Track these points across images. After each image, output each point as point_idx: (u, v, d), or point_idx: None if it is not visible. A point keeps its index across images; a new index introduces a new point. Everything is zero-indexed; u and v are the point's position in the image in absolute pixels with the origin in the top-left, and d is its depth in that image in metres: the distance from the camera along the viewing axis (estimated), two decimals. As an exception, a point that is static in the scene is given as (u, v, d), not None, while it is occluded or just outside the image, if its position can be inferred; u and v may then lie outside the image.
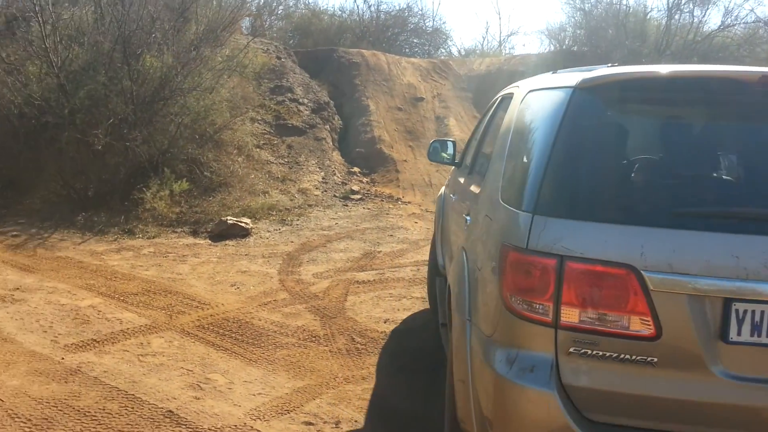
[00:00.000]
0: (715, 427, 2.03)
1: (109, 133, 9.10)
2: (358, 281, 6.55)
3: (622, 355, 2.01)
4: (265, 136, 12.79)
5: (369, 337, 5.04)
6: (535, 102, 2.73)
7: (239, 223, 8.42)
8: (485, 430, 2.23)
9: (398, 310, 5.73)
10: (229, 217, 8.55)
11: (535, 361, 2.08)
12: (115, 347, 4.67)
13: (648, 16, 13.20)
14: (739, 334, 1.98)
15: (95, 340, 4.78)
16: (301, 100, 14.18)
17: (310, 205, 10.38)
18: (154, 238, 8.20)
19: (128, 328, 5.06)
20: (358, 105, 15.06)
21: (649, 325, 1.99)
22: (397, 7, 23.64)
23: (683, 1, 12.59)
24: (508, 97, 3.43)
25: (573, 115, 2.25)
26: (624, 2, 13.08)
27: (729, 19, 12.38)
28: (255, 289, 6.24)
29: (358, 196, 11.12)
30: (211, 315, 5.44)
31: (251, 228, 8.57)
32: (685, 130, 2.46)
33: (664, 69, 2.30)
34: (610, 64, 2.53)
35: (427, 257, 6.11)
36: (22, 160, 9.54)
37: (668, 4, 12.58)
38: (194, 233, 8.58)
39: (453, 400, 2.69)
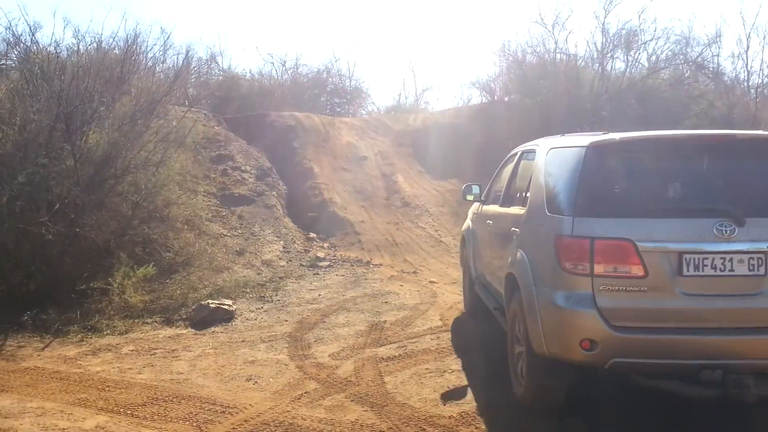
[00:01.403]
0: (676, 321, 3.78)
1: (58, 221, 8.11)
2: (382, 358, 5.97)
3: (627, 288, 3.77)
4: (212, 208, 12.02)
5: (441, 425, 4.47)
6: (558, 155, 4.54)
7: (222, 306, 7.63)
8: (554, 346, 3.99)
9: (448, 387, 5.20)
10: (209, 301, 7.74)
11: (582, 296, 3.82)
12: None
13: (580, 63, 13.66)
14: (688, 271, 3.75)
15: (128, 472, 3.96)
16: (243, 168, 13.55)
17: (280, 278, 9.68)
18: (126, 333, 7.26)
19: (159, 450, 4.25)
20: (300, 168, 14.58)
21: (640, 270, 3.76)
22: (315, 70, 23.44)
23: (610, 48, 13.12)
24: (531, 152, 5.31)
25: (588, 161, 4.01)
26: (556, 50, 13.48)
27: (656, 63, 13.00)
28: (276, 381, 5.52)
29: (326, 263, 10.53)
30: (246, 421, 4.69)
31: (234, 310, 7.79)
32: (650, 167, 4.11)
33: (630, 135, 4.16)
34: (592, 131, 4.68)
35: (432, 321, 7.10)
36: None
37: (601, 50, 13.06)
38: (168, 322, 7.69)
39: (528, 341, 4.28)
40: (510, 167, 5.95)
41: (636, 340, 3.76)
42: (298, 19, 40.43)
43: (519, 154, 5.81)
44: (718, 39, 11.68)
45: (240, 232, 11.47)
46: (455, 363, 5.75)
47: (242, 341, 6.76)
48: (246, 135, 15.35)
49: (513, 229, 4.92)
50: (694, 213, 3.86)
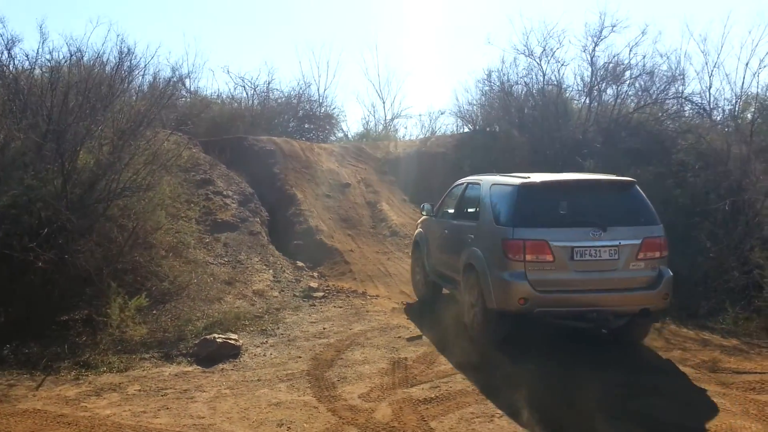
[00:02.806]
0: (571, 286, 6.45)
1: (46, 246, 7.50)
2: (418, 400, 5.63)
3: (544, 268, 6.41)
4: (196, 234, 11.44)
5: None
6: (498, 189, 7.16)
7: (228, 341, 7.15)
8: (502, 303, 6.58)
9: (501, 432, 4.92)
10: (215, 335, 7.23)
11: (519, 273, 6.42)
12: None
13: (568, 95, 13.78)
14: (576, 258, 6.42)
15: None
16: (225, 193, 13.02)
17: (276, 309, 9.22)
18: (126, 370, 6.69)
19: None
20: (282, 194, 14.14)
21: (551, 257, 6.38)
22: (285, 94, 23.09)
23: (598, 81, 13.24)
24: (476, 184, 7.90)
25: (519, 193, 6.70)
26: (545, 81, 13.53)
27: (644, 99, 13.18)
28: (311, 427, 5.11)
29: (320, 294, 10.10)
30: (295, 472, 4.27)
31: (241, 345, 7.30)
32: (556, 197, 6.72)
33: (544, 178, 6.99)
34: (528, 175, 7.13)
35: (453, 357, 6.96)
36: None
37: (590, 82, 13.16)
38: (168, 358, 7.15)
39: (482, 300, 6.88)
40: (458, 193, 8.63)
41: (549, 297, 6.47)
42: (267, 42, 40.02)
43: (465, 185, 8.49)
44: (710, 73, 11.88)
45: (226, 260, 10.94)
46: (501, 405, 5.44)
47: (258, 380, 6.30)
48: (222, 159, 14.82)
49: (469, 235, 7.55)
50: (579, 224, 6.55)
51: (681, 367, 6.61)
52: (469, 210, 7.97)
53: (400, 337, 7.73)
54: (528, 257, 6.38)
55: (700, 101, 12.21)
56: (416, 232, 10.00)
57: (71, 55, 9.25)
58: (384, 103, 24.91)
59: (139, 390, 6.07)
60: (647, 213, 6.71)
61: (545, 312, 6.56)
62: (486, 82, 15.51)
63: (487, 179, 7.63)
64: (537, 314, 6.51)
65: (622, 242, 6.45)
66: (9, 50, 9.39)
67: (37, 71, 9.46)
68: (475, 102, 16.89)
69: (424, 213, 9.53)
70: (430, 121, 24.17)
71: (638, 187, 6.92)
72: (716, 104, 11.97)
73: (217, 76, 53.69)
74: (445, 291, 9.21)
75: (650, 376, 6.36)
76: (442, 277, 8.67)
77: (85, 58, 9.78)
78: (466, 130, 17.27)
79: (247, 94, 22.96)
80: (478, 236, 7.20)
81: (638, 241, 6.49)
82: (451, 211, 8.56)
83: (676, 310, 9.12)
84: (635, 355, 7.07)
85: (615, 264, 6.45)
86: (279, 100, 23.38)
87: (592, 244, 6.40)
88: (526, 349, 6.82)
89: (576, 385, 5.88)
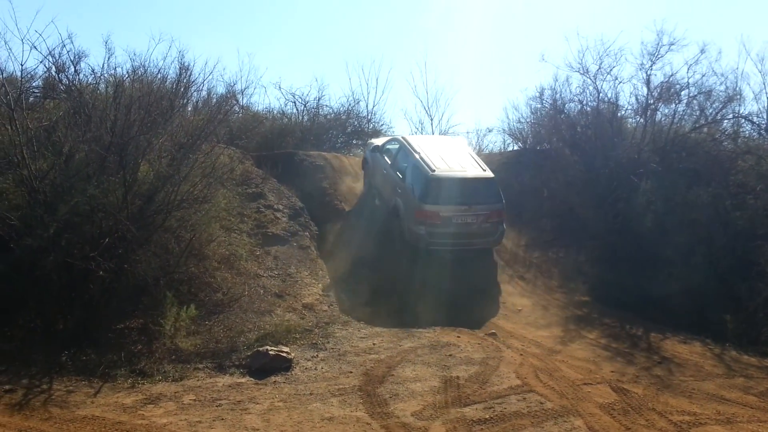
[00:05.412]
0: (451, 237, 10.95)
1: (106, 255, 7.70)
2: (473, 420, 5.56)
3: (435, 226, 10.88)
4: (247, 247, 11.59)
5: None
6: (418, 172, 11.36)
7: (281, 354, 7.20)
8: (412, 240, 11.15)
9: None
10: (268, 348, 7.30)
11: (422, 227, 10.89)
12: None
13: (623, 113, 13.55)
14: (454, 221, 10.92)
15: None
16: (276, 207, 13.14)
17: (326, 323, 9.23)
18: (181, 380, 6.79)
19: None
20: (331, 209, 14.20)
21: (439, 220, 10.85)
22: (334, 110, 23.28)
23: (654, 100, 12.98)
24: (406, 155, 11.86)
25: (428, 181, 11.09)
26: (599, 99, 13.34)
27: (701, 119, 12.87)
28: (366, 442, 5.08)
29: (369, 309, 10.07)
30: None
31: (293, 358, 7.35)
32: (448, 185, 10.97)
33: (443, 173, 11.20)
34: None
35: (509, 379, 6.89)
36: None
37: (645, 101, 12.91)
38: (221, 368, 7.25)
39: (401, 233, 11.42)
40: (394, 151, 12.39)
41: (437, 241, 10.80)
42: (318, 59, 40.57)
43: (399, 147, 12.33)
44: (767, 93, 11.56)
45: (277, 272, 11.02)
46: (555, 428, 5.33)
47: (310, 394, 6.31)
48: (274, 173, 15.00)
49: (398, 188, 11.62)
50: (457, 203, 10.78)
51: (744, 396, 6.37)
52: (399, 173, 11.75)
53: (451, 355, 7.65)
54: (427, 220, 10.74)
55: (756, 121, 11.85)
56: (366, 154, 14.12)
57: (134, 71, 9.52)
58: (432, 119, 24.79)
59: (194, 400, 6.15)
60: (496, 196, 11.10)
61: (435, 247, 10.92)
62: (538, 99, 15.37)
63: (412, 161, 11.45)
64: (430, 247, 10.89)
65: (479, 213, 10.91)
66: (75, 65, 9.77)
67: (102, 86, 9.78)
68: (524, 120, 16.75)
69: (372, 141, 14.44)
70: (478, 138, 23.99)
71: (494, 181, 11.20)
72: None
73: (269, 92, 54.53)
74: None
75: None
76: (378, 195, 12.84)
77: (146, 74, 10.03)
78: (515, 148, 17.14)
79: (297, 109, 23.22)
80: (403, 196, 11.40)
81: (488, 212, 11.00)
82: (389, 161, 12.30)
83: (735, 336, 8.85)
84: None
85: (474, 226, 10.98)
86: (328, 116, 23.55)
87: (464, 214, 10.84)
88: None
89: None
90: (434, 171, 10.89)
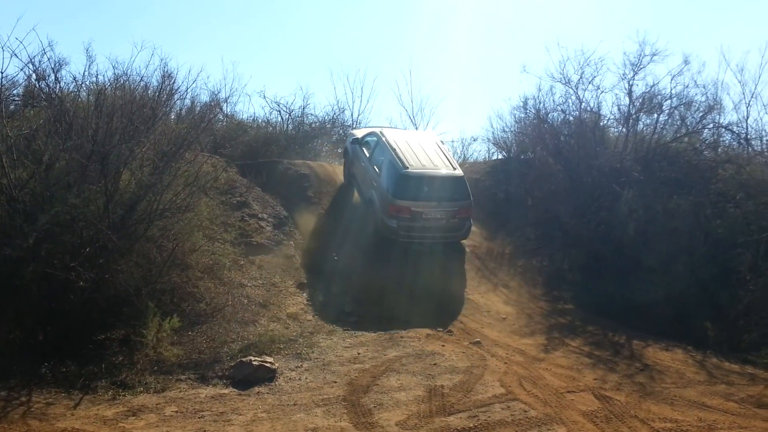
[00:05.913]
0: (419, 231, 11.57)
1: (87, 265, 7.61)
2: (457, 429, 5.57)
3: (406, 219, 11.47)
4: (230, 256, 11.53)
5: None
6: (392, 169, 11.88)
7: (264, 364, 7.16)
8: (384, 231, 11.75)
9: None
10: (251, 358, 7.25)
11: (394, 220, 11.48)
12: None
13: (603, 123, 13.65)
14: (424, 216, 11.56)
15: None
16: (260, 216, 13.10)
17: (310, 333, 9.20)
18: (162, 391, 6.73)
19: None
20: (316, 217, 14.18)
21: (410, 215, 11.43)
22: (319, 118, 23.27)
23: (635, 110, 13.12)
24: (383, 150, 12.37)
25: (400, 178, 11.71)
26: (581, 108, 13.46)
27: (682, 129, 13.02)
28: (349, 453, 5.06)
29: (354, 318, 10.06)
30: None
31: (276, 368, 7.30)
32: (418, 183, 11.60)
33: (414, 171, 11.76)
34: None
35: (493, 387, 6.92)
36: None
37: (627, 110, 13.04)
38: (203, 379, 7.19)
39: (375, 223, 12.01)
40: (372, 145, 12.92)
41: (408, 234, 11.45)
42: (302, 68, 40.50)
43: (377, 141, 12.81)
44: (747, 103, 11.74)
45: (260, 282, 10.96)
46: (538, 437, 5.33)
47: (294, 404, 6.28)
48: (258, 182, 14.94)
49: (373, 182, 12.17)
50: (428, 199, 11.44)
51: (725, 402, 6.41)
52: (375, 167, 12.29)
53: (435, 364, 7.64)
54: (399, 214, 11.35)
55: (737, 131, 12.01)
56: (347, 144, 14.62)
57: (116, 79, 9.46)
58: (417, 128, 24.86)
59: (176, 411, 6.09)
60: (465, 193, 11.68)
61: (405, 239, 11.52)
62: (521, 109, 15.47)
63: (387, 157, 11.98)
64: (401, 238, 11.50)
65: (448, 209, 11.52)
66: (56, 73, 9.69)
67: (83, 94, 9.71)
68: (509, 129, 16.86)
69: (351, 137, 14.21)
70: (463, 147, 24.08)
71: (464, 179, 11.82)
72: (760, 134, 11.77)
73: (253, 101, 54.30)
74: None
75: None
76: (356, 186, 13.61)
77: (128, 81, 9.97)
78: (500, 156, 17.22)
79: (282, 118, 23.15)
80: (378, 189, 11.93)
81: (456, 209, 11.60)
82: (367, 154, 12.88)
83: (717, 343, 8.92)
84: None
85: (443, 222, 11.57)
86: (313, 125, 23.51)
87: (434, 210, 11.46)
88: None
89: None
90: (407, 168, 11.49)
